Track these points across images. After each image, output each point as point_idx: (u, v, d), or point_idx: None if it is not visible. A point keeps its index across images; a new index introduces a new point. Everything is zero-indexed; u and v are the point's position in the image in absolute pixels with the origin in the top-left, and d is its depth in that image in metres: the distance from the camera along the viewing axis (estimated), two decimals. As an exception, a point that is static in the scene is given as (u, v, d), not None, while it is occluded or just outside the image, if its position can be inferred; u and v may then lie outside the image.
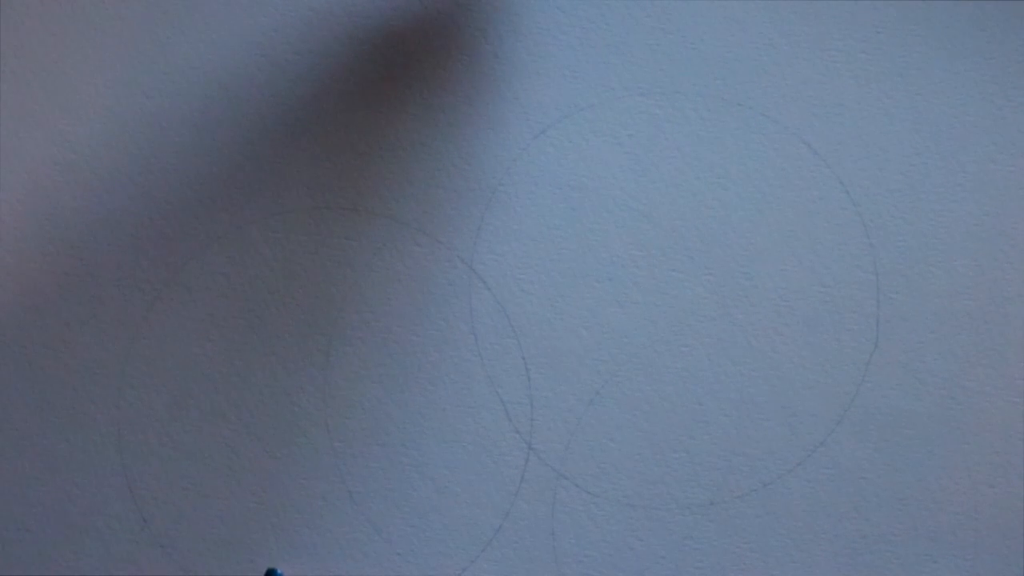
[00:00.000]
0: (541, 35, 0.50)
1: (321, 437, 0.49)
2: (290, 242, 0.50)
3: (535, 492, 0.49)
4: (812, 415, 0.49)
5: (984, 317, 0.49)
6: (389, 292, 0.49)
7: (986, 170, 0.50)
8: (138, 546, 0.48)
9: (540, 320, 0.49)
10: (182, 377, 0.49)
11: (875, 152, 0.50)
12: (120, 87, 0.50)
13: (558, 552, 0.48)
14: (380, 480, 0.49)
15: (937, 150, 0.50)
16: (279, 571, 0.43)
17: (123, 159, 0.50)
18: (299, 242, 0.50)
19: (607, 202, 0.50)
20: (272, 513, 0.48)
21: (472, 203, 0.50)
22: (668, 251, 0.50)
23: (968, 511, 0.48)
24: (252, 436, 0.49)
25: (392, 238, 0.50)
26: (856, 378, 0.49)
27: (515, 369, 0.49)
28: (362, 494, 0.48)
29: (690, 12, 0.50)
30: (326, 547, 0.45)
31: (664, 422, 0.49)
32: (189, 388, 0.49)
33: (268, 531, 0.48)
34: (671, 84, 0.50)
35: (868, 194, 0.50)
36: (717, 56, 0.50)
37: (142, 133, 0.50)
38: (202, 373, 0.49)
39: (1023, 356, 0.49)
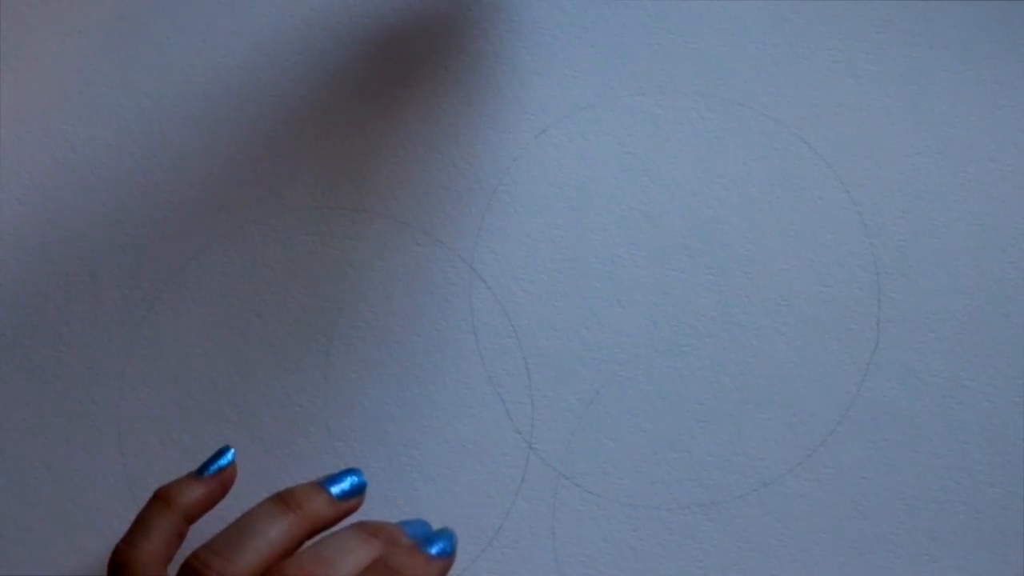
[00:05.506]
0: (541, 35, 0.50)
1: (321, 437, 0.49)
2: (290, 242, 0.50)
3: (535, 492, 0.49)
4: (812, 415, 0.49)
5: (984, 317, 0.49)
6: (389, 292, 0.49)
7: (986, 170, 0.50)
8: (138, 546, 0.48)
9: (540, 320, 0.49)
10: (182, 377, 0.49)
11: (875, 152, 0.50)
12: (120, 87, 0.50)
13: (558, 552, 0.48)
14: (380, 480, 0.49)
15: (937, 150, 0.50)
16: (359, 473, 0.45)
17: (123, 159, 0.50)
18: (299, 242, 0.50)
19: (607, 202, 0.50)
20: (272, 513, 0.48)
21: (472, 203, 0.50)
22: (668, 251, 0.50)
23: (968, 511, 0.48)
24: (252, 436, 0.49)
25: (392, 238, 0.50)
26: (856, 378, 0.49)
27: (515, 369, 0.49)
28: (362, 494, 0.48)
29: (690, 12, 0.50)
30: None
31: (664, 422, 0.49)
32: (189, 388, 0.49)
33: (268, 531, 0.48)
34: (671, 84, 0.50)
35: (868, 194, 0.50)
36: (717, 56, 0.50)
37: (142, 133, 0.50)
38: (202, 373, 0.49)
39: (1023, 356, 0.49)
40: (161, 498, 0.43)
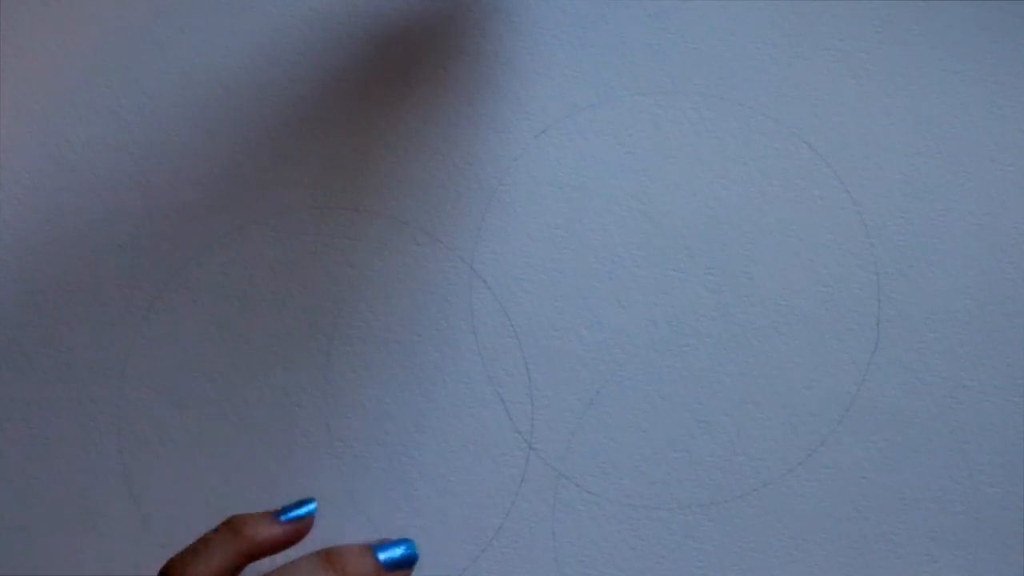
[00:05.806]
0: (541, 35, 0.50)
1: (321, 437, 0.49)
2: (290, 242, 0.50)
3: (535, 492, 0.49)
4: (812, 415, 0.49)
5: (984, 317, 0.49)
6: (389, 292, 0.49)
7: (986, 170, 0.50)
8: (138, 546, 0.48)
9: (540, 320, 0.49)
10: (182, 377, 0.49)
11: (875, 152, 0.50)
12: (120, 87, 0.50)
13: (558, 552, 0.48)
14: (380, 480, 0.49)
15: (937, 150, 0.50)
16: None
17: (123, 159, 0.50)
18: (299, 242, 0.50)
19: (607, 202, 0.50)
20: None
21: (472, 203, 0.50)
22: (668, 251, 0.50)
23: (968, 511, 0.48)
24: (252, 436, 0.49)
25: (392, 238, 0.50)
26: (856, 378, 0.49)
27: (515, 369, 0.49)
28: (362, 494, 0.48)
29: (690, 12, 0.50)
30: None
31: (664, 422, 0.49)
32: (189, 388, 0.49)
33: (268, 531, 0.48)
34: (671, 84, 0.50)
35: (868, 194, 0.50)
36: (717, 56, 0.50)
37: (142, 133, 0.50)
38: (202, 373, 0.49)
39: (1023, 356, 0.49)
40: (232, 526, 0.41)
